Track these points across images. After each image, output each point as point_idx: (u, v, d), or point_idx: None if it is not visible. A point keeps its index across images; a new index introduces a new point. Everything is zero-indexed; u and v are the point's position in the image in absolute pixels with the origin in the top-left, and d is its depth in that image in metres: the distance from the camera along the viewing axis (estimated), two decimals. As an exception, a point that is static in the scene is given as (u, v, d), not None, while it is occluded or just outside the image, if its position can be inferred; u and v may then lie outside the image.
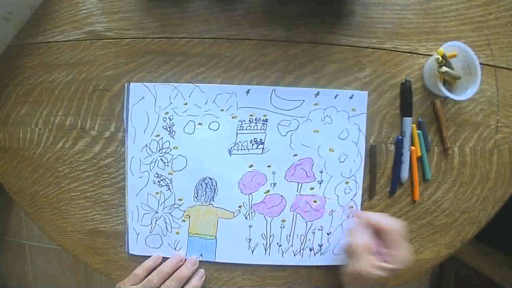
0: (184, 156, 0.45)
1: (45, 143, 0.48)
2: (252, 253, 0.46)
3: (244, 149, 0.45)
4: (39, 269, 1.28)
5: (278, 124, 0.45)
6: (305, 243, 0.45)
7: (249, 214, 0.45)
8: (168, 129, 0.46)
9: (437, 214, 0.46)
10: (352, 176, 0.45)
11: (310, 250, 0.46)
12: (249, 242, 0.46)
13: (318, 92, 0.44)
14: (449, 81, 0.44)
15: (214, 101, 0.45)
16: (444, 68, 0.40)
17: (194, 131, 0.45)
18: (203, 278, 0.46)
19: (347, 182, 0.45)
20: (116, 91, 0.46)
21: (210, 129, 0.45)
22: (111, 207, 0.47)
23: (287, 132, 0.45)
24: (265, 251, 0.46)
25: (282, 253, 0.46)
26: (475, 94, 0.41)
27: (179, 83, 0.45)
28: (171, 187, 0.46)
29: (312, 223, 0.45)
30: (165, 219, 0.46)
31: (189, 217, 0.46)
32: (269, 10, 0.45)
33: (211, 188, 0.45)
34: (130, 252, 0.47)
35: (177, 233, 0.46)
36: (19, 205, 0.50)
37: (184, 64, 0.45)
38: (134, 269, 0.47)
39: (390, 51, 0.45)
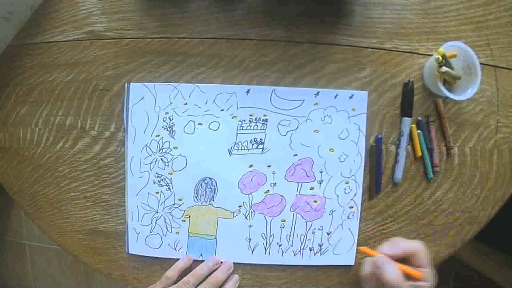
0: (184, 156, 0.45)
1: (45, 143, 0.48)
2: (252, 253, 0.46)
3: (244, 149, 0.45)
4: (39, 269, 1.28)
5: (278, 124, 0.45)
6: (305, 243, 0.45)
7: (249, 214, 0.45)
8: (168, 129, 0.46)
9: (437, 214, 0.46)
10: (352, 176, 0.45)
11: (310, 250, 0.46)
12: (249, 242, 0.46)
13: (318, 92, 0.44)
14: (449, 81, 0.44)
15: (214, 101, 0.45)
16: (444, 68, 0.40)
17: (194, 131, 0.45)
18: (237, 283, 0.45)
19: (347, 182, 0.45)
20: (116, 91, 0.46)
21: (210, 129, 0.45)
22: (111, 207, 0.47)
23: (287, 132, 0.45)
24: (265, 251, 0.46)
25: (282, 253, 0.46)
26: (475, 94, 0.41)
27: (179, 83, 0.45)
28: (171, 187, 0.46)
29: (312, 223, 0.45)
30: (165, 219, 0.46)
31: (189, 217, 0.46)
32: (269, 10, 0.45)
33: (211, 188, 0.45)
34: (130, 252, 0.47)
35: (177, 233, 0.46)
36: (19, 205, 0.50)
37: (184, 64, 0.45)
38: (134, 269, 0.47)
39: (390, 51, 0.45)
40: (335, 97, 0.44)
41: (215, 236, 0.46)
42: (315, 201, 0.45)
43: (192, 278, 0.43)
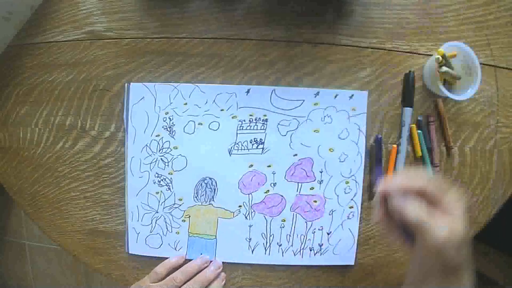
0: (184, 156, 0.45)
1: (45, 143, 0.48)
2: (252, 252, 0.46)
3: (244, 149, 0.45)
4: (39, 269, 1.28)
5: (278, 124, 0.45)
6: (305, 243, 0.45)
7: (249, 213, 0.45)
8: (168, 129, 0.46)
9: (437, 214, 0.46)
10: (352, 176, 0.45)
11: (310, 250, 0.46)
12: (249, 242, 0.46)
13: (318, 92, 0.44)
14: (449, 81, 0.44)
15: (214, 101, 0.45)
16: (444, 68, 0.40)
17: (194, 131, 0.45)
18: (224, 282, 0.45)
19: (347, 182, 0.45)
20: (116, 91, 0.46)
21: (210, 129, 0.45)
22: (111, 207, 0.47)
23: (287, 132, 0.45)
24: (265, 250, 0.46)
25: (282, 252, 0.46)
26: (475, 94, 0.41)
27: (179, 83, 0.45)
28: (171, 187, 0.46)
29: (312, 223, 0.45)
30: (165, 219, 0.46)
31: (189, 217, 0.46)
32: (269, 10, 0.45)
33: (211, 188, 0.45)
34: (130, 252, 0.47)
35: (177, 233, 0.46)
36: (19, 205, 0.50)
37: (184, 64, 0.45)
38: (134, 269, 0.47)
39: (390, 51, 0.45)
40: (335, 97, 0.44)
41: (215, 236, 0.46)
42: (315, 201, 0.45)
43: (180, 274, 0.43)
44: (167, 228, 0.46)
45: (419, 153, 0.45)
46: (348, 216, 0.45)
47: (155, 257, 0.46)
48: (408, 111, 0.44)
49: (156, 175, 0.46)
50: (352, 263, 0.46)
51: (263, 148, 0.45)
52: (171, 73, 0.46)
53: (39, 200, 0.49)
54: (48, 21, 0.47)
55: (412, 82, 0.44)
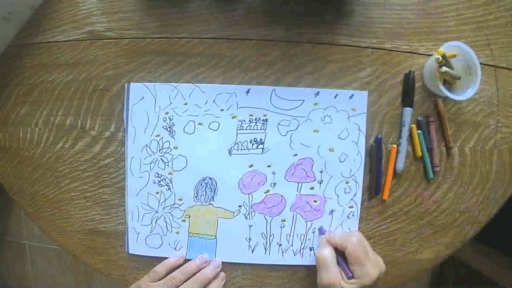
0: (184, 156, 0.45)
1: (45, 143, 0.48)
2: (252, 252, 0.46)
3: (244, 149, 0.45)
4: (39, 269, 1.28)
5: (278, 124, 0.45)
6: (305, 242, 0.45)
7: (249, 213, 0.45)
8: (168, 129, 0.46)
9: (437, 214, 0.46)
10: (352, 176, 0.45)
11: (310, 250, 0.46)
12: (249, 242, 0.46)
13: (318, 92, 0.44)
14: (449, 81, 0.44)
15: (214, 101, 0.45)
16: (444, 68, 0.40)
17: (194, 131, 0.45)
18: (224, 281, 0.46)
19: (347, 182, 0.45)
20: (116, 91, 0.46)
21: (210, 129, 0.45)
22: (111, 207, 0.47)
23: (287, 132, 0.45)
24: (265, 250, 0.46)
25: (282, 252, 0.46)
26: (475, 94, 0.41)
27: (179, 83, 0.45)
28: (171, 187, 0.46)
29: (312, 223, 0.45)
30: (165, 218, 0.46)
31: (189, 217, 0.46)
32: (269, 10, 0.45)
33: (211, 188, 0.45)
34: (130, 252, 0.47)
35: (177, 233, 0.46)
36: (19, 205, 0.50)
37: (184, 64, 0.45)
38: (134, 269, 0.47)
39: (390, 51, 0.45)
40: (335, 97, 0.44)
41: (215, 236, 0.46)
42: (315, 201, 0.45)
43: (179, 274, 0.43)
44: (167, 228, 0.46)
45: (419, 153, 0.45)
46: (348, 216, 0.45)
47: (155, 257, 0.46)
48: (408, 111, 0.44)
49: (156, 175, 0.46)
50: (352, 263, 0.46)
51: (263, 148, 0.45)
52: (171, 73, 0.46)
53: (39, 200, 0.49)
54: (48, 21, 0.47)
55: (412, 82, 0.44)
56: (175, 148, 0.46)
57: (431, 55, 0.44)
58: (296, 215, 0.45)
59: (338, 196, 0.45)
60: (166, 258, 0.46)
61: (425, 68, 0.44)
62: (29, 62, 0.48)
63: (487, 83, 0.45)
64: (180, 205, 0.46)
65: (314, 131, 0.45)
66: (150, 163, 0.46)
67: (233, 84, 0.45)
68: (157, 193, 0.46)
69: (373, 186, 0.45)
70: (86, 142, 0.47)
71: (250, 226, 0.46)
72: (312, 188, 0.45)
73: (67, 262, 1.24)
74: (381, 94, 0.45)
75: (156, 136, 0.46)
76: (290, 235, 0.45)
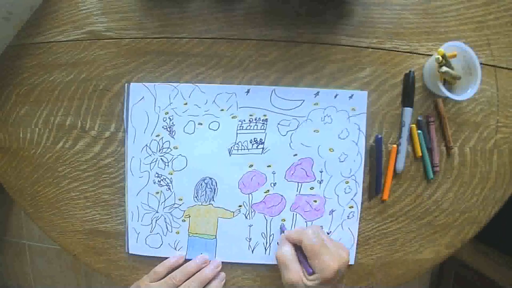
0: (184, 156, 0.45)
1: (45, 143, 0.48)
2: (252, 252, 0.46)
3: (244, 149, 0.45)
4: (39, 269, 1.28)
5: (278, 124, 0.45)
6: (305, 243, 0.45)
7: (249, 213, 0.45)
8: (168, 129, 0.46)
9: (437, 214, 0.46)
10: (352, 176, 0.45)
11: (310, 250, 0.46)
12: (249, 242, 0.46)
13: (318, 92, 0.44)
14: (449, 81, 0.44)
15: (214, 101, 0.45)
16: (444, 68, 0.40)
17: (194, 131, 0.45)
18: (223, 281, 0.46)
19: (347, 182, 0.45)
20: (116, 91, 0.46)
21: (210, 129, 0.45)
22: (111, 207, 0.47)
23: (287, 132, 0.45)
24: (265, 250, 0.46)
25: (282, 253, 0.46)
26: (475, 94, 0.41)
27: (179, 83, 0.45)
28: (171, 187, 0.46)
29: (312, 223, 0.45)
30: (165, 218, 0.46)
31: (189, 216, 0.46)
32: (269, 10, 0.45)
33: (211, 188, 0.45)
34: (130, 252, 0.47)
35: (177, 232, 0.46)
36: (19, 205, 0.50)
37: (184, 64, 0.45)
38: (134, 269, 0.47)
39: (390, 51, 0.45)
40: (335, 97, 0.44)
41: (215, 236, 0.46)
42: (315, 201, 0.45)
43: (179, 274, 0.43)
44: (167, 228, 0.46)
45: (419, 153, 0.45)
46: (348, 216, 0.45)
47: (155, 257, 0.46)
48: (408, 111, 0.44)
49: (156, 175, 0.46)
50: (352, 262, 0.46)
51: (263, 148, 0.45)
52: (171, 73, 0.46)
53: (39, 200, 0.49)
54: (48, 21, 0.47)
55: (412, 82, 0.44)
56: (175, 148, 0.46)
57: (431, 55, 0.44)
58: (296, 215, 0.45)
59: (338, 196, 0.45)
60: (166, 258, 0.46)
61: (425, 68, 0.44)
62: (29, 62, 0.48)
63: (487, 83, 0.45)
64: (180, 205, 0.46)
65: (314, 131, 0.45)
66: (150, 163, 0.46)
67: (233, 84, 0.45)
68: (157, 193, 0.46)
69: (373, 186, 0.45)
70: (86, 142, 0.47)
71: (250, 226, 0.46)
72: (312, 188, 0.45)
73: (67, 262, 1.24)
74: (381, 94, 0.45)
75: (156, 136, 0.46)
76: (290, 235, 0.45)
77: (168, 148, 0.46)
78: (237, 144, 0.45)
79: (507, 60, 0.45)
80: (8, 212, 1.28)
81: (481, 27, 0.45)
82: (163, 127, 0.46)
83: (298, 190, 0.45)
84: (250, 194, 0.45)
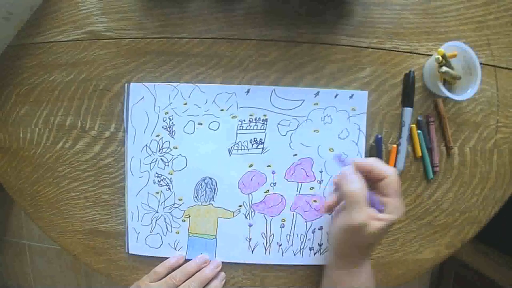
0: (184, 156, 0.45)
1: (45, 143, 0.48)
2: (252, 252, 0.46)
3: (244, 149, 0.45)
4: (39, 269, 1.28)
5: (278, 123, 0.45)
6: (305, 242, 0.45)
7: (249, 213, 0.45)
8: (168, 129, 0.46)
9: (437, 214, 0.46)
10: (352, 176, 0.45)
11: (310, 250, 0.46)
12: (249, 242, 0.46)
13: (318, 92, 0.44)
14: (449, 81, 0.44)
15: (214, 101, 0.45)
16: (444, 68, 0.40)
17: (194, 131, 0.45)
18: (224, 281, 0.46)
19: (347, 182, 0.45)
20: (116, 91, 0.46)
21: (210, 129, 0.45)
22: (111, 207, 0.47)
23: (287, 132, 0.45)
24: (265, 250, 0.46)
25: (282, 252, 0.46)
26: (475, 94, 0.41)
27: (179, 83, 0.45)
28: (171, 187, 0.46)
29: (312, 223, 0.45)
30: (165, 218, 0.46)
31: (189, 216, 0.46)
32: (269, 10, 0.45)
33: (211, 188, 0.45)
34: (130, 252, 0.47)
35: (177, 232, 0.46)
36: (19, 205, 0.50)
37: (184, 64, 0.45)
38: (134, 269, 0.47)
39: (390, 51, 0.45)
40: (335, 97, 0.44)
41: (215, 236, 0.46)
42: (315, 201, 0.45)
43: (179, 274, 0.43)
44: (167, 228, 0.46)
45: (419, 153, 0.45)
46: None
47: (155, 257, 0.46)
48: (408, 111, 0.44)
49: (156, 175, 0.46)
50: (352, 263, 0.46)
51: (263, 148, 0.45)
52: (171, 73, 0.46)
53: (39, 200, 0.49)
54: (48, 21, 0.47)
55: (412, 82, 0.44)
56: (175, 148, 0.46)
57: (431, 55, 0.44)
58: (296, 215, 0.45)
59: (338, 196, 0.45)
60: (166, 258, 0.46)
61: (425, 68, 0.44)
62: (29, 62, 0.48)
63: (487, 83, 0.45)
64: (180, 205, 0.46)
65: (314, 131, 0.45)
66: (150, 163, 0.46)
67: (233, 84, 0.45)
68: (157, 193, 0.46)
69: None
70: (86, 142, 0.47)
71: (250, 226, 0.46)
72: (312, 188, 0.45)
73: (67, 262, 1.24)
74: (381, 94, 0.45)
75: (156, 136, 0.46)
76: (290, 235, 0.45)
77: (168, 148, 0.46)
78: (237, 144, 0.45)
79: (507, 60, 0.45)
80: (8, 212, 1.28)
81: (481, 27, 0.45)
82: (163, 127, 0.46)
83: (298, 190, 0.45)
84: (250, 194, 0.45)
